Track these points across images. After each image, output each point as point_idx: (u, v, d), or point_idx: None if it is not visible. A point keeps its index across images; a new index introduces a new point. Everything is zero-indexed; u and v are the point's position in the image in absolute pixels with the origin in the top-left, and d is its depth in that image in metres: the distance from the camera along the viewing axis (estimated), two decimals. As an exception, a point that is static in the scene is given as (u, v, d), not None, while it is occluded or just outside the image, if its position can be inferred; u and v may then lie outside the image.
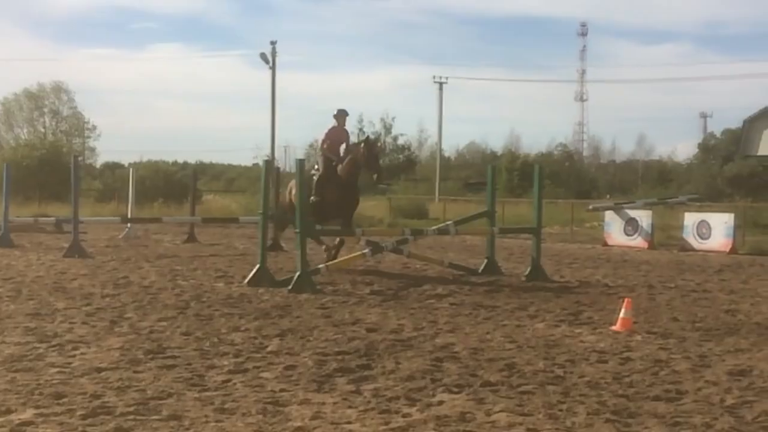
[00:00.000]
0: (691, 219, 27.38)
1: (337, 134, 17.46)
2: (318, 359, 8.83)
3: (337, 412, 6.85)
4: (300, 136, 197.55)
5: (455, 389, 7.68)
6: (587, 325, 11.51)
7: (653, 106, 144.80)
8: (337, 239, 17.58)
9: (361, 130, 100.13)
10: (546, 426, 6.56)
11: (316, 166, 17.68)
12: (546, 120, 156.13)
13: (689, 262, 22.35)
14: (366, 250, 16.32)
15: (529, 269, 17.05)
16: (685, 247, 26.37)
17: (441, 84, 74.68)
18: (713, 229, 26.31)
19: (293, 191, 16.86)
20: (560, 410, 7.02)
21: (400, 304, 13.15)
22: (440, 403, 7.20)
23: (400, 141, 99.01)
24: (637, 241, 26.99)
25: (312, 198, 16.25)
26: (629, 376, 8.37)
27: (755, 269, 20.56)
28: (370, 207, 45.33)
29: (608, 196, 50.96)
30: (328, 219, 17.15)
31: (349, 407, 6.99)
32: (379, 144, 19.30)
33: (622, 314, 11.23)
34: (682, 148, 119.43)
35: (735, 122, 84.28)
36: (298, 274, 14.42)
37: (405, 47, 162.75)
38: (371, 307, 12.68)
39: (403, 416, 6.75)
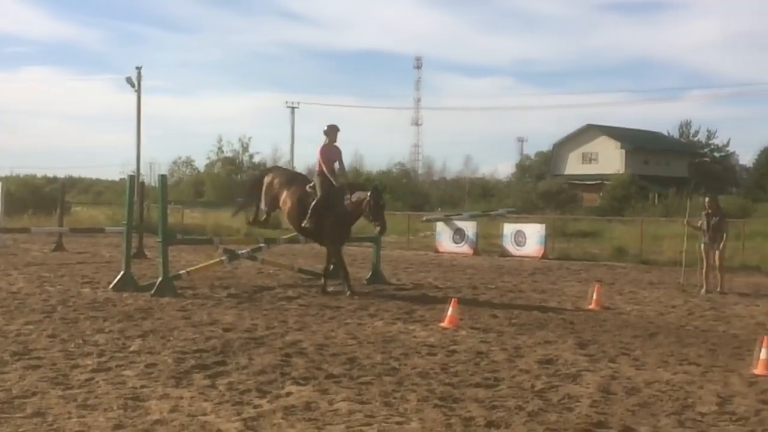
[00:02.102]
0: (509, 229, 28.22)
1: (329, 152, 15.00)
2: (177, 357, 8.62)
3: (194, 405, 6.71)
4: (165, 153, 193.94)
5: (302, 381, 7.65)
6: (419, 322, 11.66)
7: (478, 130, 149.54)
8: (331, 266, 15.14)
9: (219, 148, 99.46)
10: (382, 412, 6.61)
11: (311, 185, 14.96)
12: (386, 142, 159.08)
13: (507, 266, 23.01)
14: (223, 257, 16.06)
15: (369, 273, 17.17)
16: (504, 253, 27.13)
17: (293, 109, 74.95)
18: (528, 238, 27.20)
19: (284, 201, 15.08)
20: (394, 398, 7.10)
21: (254, 305, 12.99)
22: (288, 394, 7.15)
23: (256, 159, 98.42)
24: (464, 248, 27.60)
25: (305, 223, 14.59)
26: (454, 367, 8.53)
27: (562, 272, 21.37)
28: (229, 218, 44.70)
29: (439, 209, 51.87)
30: (321, 242, 15.34)
31: (205, 400, 6.86)
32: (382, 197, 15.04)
33: (449, 312, 11.44)
34: (502, 168, 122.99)
35: (546, 146, 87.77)
36: (160, 279, 14.07)
37: (261, 75, 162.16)
38: (228, 309, 12.47)
39: (254, 407, 6.67)
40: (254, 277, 17.32)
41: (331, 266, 15.11)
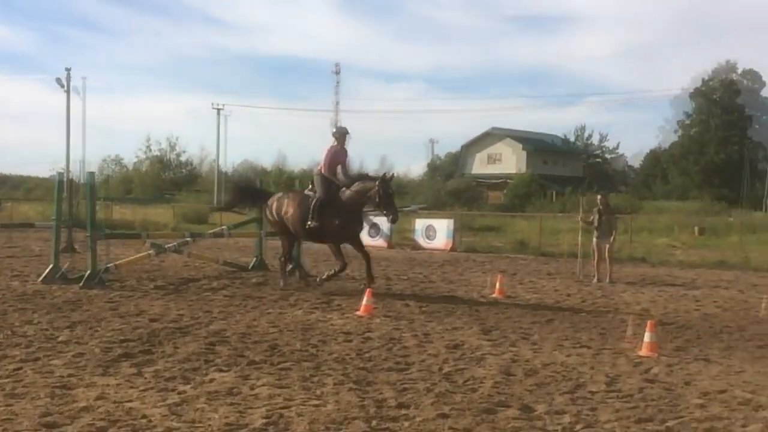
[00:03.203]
0: (420, 224, 28.48)
1: (335, 154, 13.89)
2: (105, 347, 8.40)
3: (120, 392, 6.55)
4: (95, 152, 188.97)
5: (225, 368, 7.55)
6: (337, 311, 11.64)
7: (393, 132, 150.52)
8: (338, 267, 13.95)
9: (148, 147, 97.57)
10: (300, 395, 6.58)
11: (310, 187, 14.24)
12: (307, 142, 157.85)
13: (419, 258, 23.18)
14: (151, 251, 15.74)
15: (291, 266, 17.03)
16: (416, 247, 27.34)
17: (219, 110, 74.00)
18: (438, 232, 27.48)
19: (285, 210, 14.12)
20: (312, 382, 7.07)
21: (180, 296, 12.76)
22: (212, 380, 7.05)
23: (183, 158, 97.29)
24: (379, 242, 27.67)
25: (309, 223, 13.57)
26: (369, 352, 8.55)
27: (468, 263, 21.64)
28: (157, 214, 43.89)
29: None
30: (331, 241, 14.10)
31: (131, 387, 6.71)
32: (392, 184, 13.76)
33: (365, 301, 11.47)
34: (415, 167, 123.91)
35: (454, 147, 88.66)
36: (88, 272, 13.70)
37: (189, 78, 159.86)
38: (154, 300, 12.23)
39: (179, 393, 6.55)
40: (180, 270, 17.01)
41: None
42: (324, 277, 13.98)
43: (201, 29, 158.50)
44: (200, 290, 13.68)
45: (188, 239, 16.78)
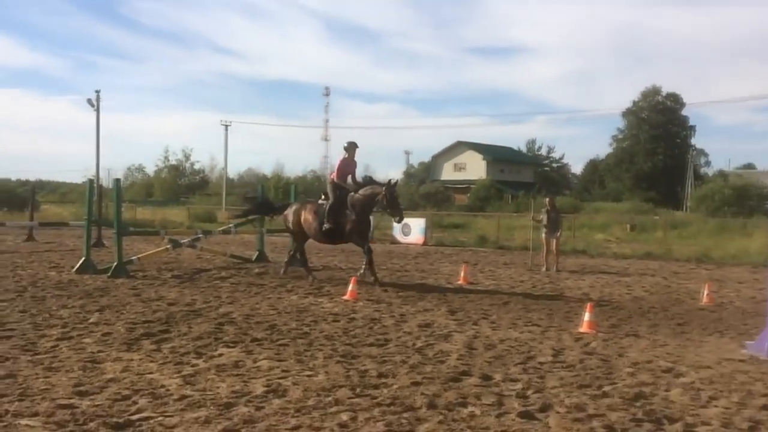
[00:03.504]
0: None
1: (346, 165, 13.49)
2: (129, 327, 8.33)
3: (142, 365, 6.50)
4: (120, 161, 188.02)
5: (232, 345, 7.51)
6: (326, 296, 11.60)
7: (374, 145, 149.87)
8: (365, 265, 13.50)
9: (166, 157, 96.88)
10: (295, 368, 6.55)
11: (323, 196, 13.81)
12: (302, 153, 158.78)
13: (397, 251, 23.16)
14: (168, 246, 15.62)
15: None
16: (394, 241, 27.30)
17: (226, 126, 73.45)
18: (413, 229, 27.45)
19: (303, 217, 13.71)
20: (306, 356, 7.04)
21: (193, 284, 12.67)
22: (220, 355, 7.01)
23: (196, 166, 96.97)
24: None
25: (326, 226, 13.15)
26: (353, 331, 8.52)
27: (438, 256, 21.65)
28: (174, 214, 43.57)
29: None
30: (345, 240, 13.53)
31: (151, 361, 6.66)
32: (398, 188, 13.34)
33: (350, 288, 11.44)
34: (393, 174, 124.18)
35: (426, 157, 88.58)
36: (115, 263, 13.57)
37: (200, 98, 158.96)
38: (171, 287, 12.13)
39: (192, 366, 6.51)
40: (194, 262, 16.89)
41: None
42: (362, 272, 13.48)
43: (211, 56, 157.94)
44: (211, 279, 13.59)
45: (200, 236, 16.66)
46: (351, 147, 13.61)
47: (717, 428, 5.12)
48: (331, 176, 13.68)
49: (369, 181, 13.64)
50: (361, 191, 13.11)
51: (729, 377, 6.67)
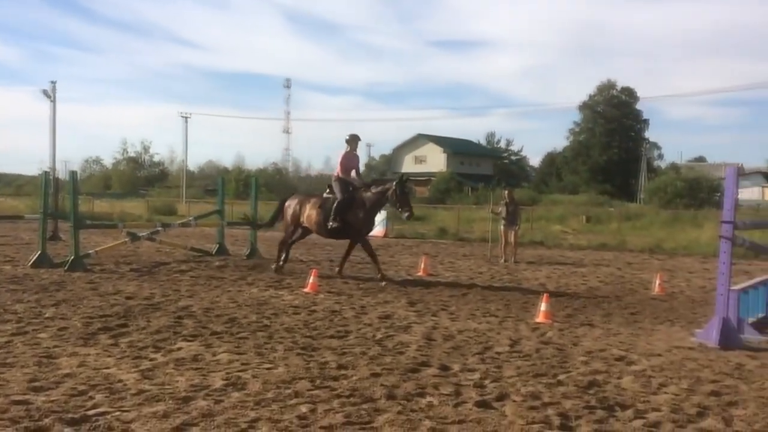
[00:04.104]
0: (358, 214, 28.25)
1: (348, 159, 12.96)
2: (85, 321, 8.18)
3: (99, 360, 6.38)
4: (77, 154, 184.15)
5: (191, 338, 7.42)
6: (287, 288, 11.53)
7: (336, 137, 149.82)
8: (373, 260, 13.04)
9: (124, 149, 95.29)
10: (255, 360, 6.52)
11: (328, 191, 13.20)
12: (263, 145, 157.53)
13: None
14: (127, 239, 15.35)
15: (248, 251, 16.88)
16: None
17: (186, 118, 72.68)
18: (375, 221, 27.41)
19: (308, 215, 13.15)
20: (266, 349, 7.01)
21: (152, 278, 12.49)
22: (179, 349, 6.92)
23: (156, 158, 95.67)
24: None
25: (331, 223, 12.63)
26: (314, 323, 8.50)
27: (398, 248, 21.71)
28: (132, 207, 42.82)
29: (305, 199, 51.46)
30: (350, 238, 13.11)
31: (109, 356, 6.54)
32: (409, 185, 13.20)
33: (311, 280, 11.40)
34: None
35: (387, 150, 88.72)
36: (72, 257, 13.29)
37: (159, 90, 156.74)
38: (130, 281, 11.94)
39: (150, 360, 6.42)
40: (153, 255, 16.64)
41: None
42: (379, 277, 12.72)
43: (171, 48, 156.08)
44: (170, 272, 13.40)
45: (159, 228, 16.44)
46: (353, 140, 13.07)
47: (666, 414, 5.25)
48: (336, 173, 13.05)
49: (376, 180, 13.18)
50: (372, 188, 12.66)
51: (679, 364, 6.85)
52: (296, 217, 13.49)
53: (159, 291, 10.82)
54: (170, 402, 5.16)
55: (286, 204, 13.93)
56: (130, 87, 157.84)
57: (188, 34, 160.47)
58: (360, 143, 13.34)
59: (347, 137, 13.08)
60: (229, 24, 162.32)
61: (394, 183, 12.46)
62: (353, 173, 13.06)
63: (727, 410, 5.39)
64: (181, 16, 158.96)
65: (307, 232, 13.77)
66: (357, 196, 12.68)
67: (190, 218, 18.39)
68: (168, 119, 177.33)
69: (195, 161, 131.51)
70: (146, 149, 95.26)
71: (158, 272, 13.36)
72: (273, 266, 13.67)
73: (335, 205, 12.67)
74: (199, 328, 7.99)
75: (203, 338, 7.44)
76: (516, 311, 9.86)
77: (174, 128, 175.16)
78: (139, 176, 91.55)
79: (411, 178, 13.39)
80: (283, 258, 13.84)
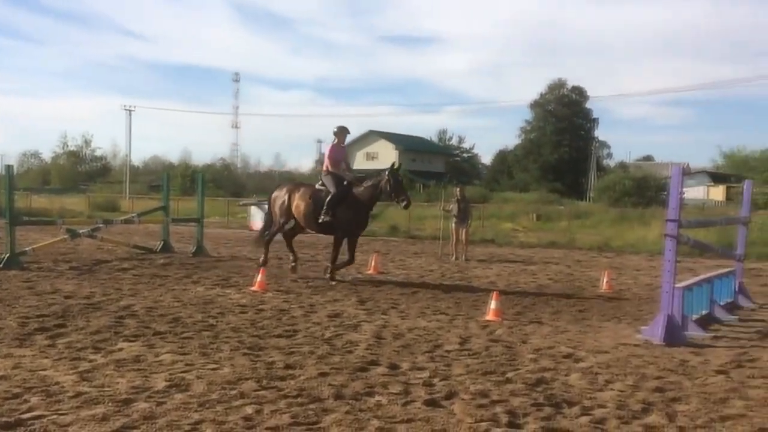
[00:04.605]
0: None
1: (336, 152, 12.56)
2: (21, 321, 7.94)
3: (35, 362, 6.20)
4: (14, 147, 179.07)
5: (132, 339, 7.27)
6: (234, 287, 11.41)
7: (285, 133, 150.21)
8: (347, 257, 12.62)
9: (64, 143, 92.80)
10: (199, 361, 6.42)
11: (319, 183, 12.73)
12: (210, 140, 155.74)
13: (307, 241, 22.87)
14: (66, 236, 14.96)
15: (194, 248, 16.63)
16: (308, 231, 27.03)
17: (130, 111, 71.28)
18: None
19: (297, 205, 12.73)
20: (211, 349, 6.91)
21: (93, 276, 12.20)
22: (120, 349, 6.77)
23: (98, 153, 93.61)
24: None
25: (323, 218, 12.18)
26: (261, 322, 8.43)
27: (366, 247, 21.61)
28: (73, 203, 41.74)
29: (254, 196, 50.98)
30: (340, 235, 12.54)
31: (45, 357, 6.36)
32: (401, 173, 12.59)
33: (258, 278, 11.30)
34: (305, 163, 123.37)
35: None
36: (7, 255, 12.89)
37: (101, 82, 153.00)
38: (69, 280, 11.63)
39: (89, 362, 6.26)
40: (94, 253, 16.25)
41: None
42: (329, 274, 12.57)
43: (114, 39, 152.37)
44: (111, 270, 13.12)
45: (100, 225, 16.07)
46: (341, 132, 12.70)
47: (612, 410, 5.36)
48: (325, 167, 12.64)
49: (368, 176, 12.78)
50: (364, 183, 12.38)
51: (624, 361, 7.01)
52: (286, 207, 13.03)
53: (99, 290, 10.57)
54: (110, 404, 5.05)
55: (274, 195, 13.51)
56: (72, 79, 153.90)
57: (134, 25, 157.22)
58: (347, 134, 13.00)
59: (335, 129, 12.70)
60: (177, 15, 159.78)
61: (386, 173, 12.18)
62: (342, 165, 12.70)
63: (671, 406, 5.54)
64: (126, 6, 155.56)
65: (298, 224, 13.30)
66: (350, 191, 12.35)
67: (134, 215, 18.03)
68: (111, 113, 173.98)
69: (139, 156, 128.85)
70: (87, 143, 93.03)
71: (99, 270, 13.06)
72: (289, 266, 13.26)
73: (328, 198, 12.27)
74: (142, 328, 7.84)
75: (145, 338, 7.30)
76: (466, 309, 9.94)
77: (117, 122, 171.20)
78: (80, 171, 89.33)
79: (362, 175, 13.25)
80: (292, 258, 13.50)
